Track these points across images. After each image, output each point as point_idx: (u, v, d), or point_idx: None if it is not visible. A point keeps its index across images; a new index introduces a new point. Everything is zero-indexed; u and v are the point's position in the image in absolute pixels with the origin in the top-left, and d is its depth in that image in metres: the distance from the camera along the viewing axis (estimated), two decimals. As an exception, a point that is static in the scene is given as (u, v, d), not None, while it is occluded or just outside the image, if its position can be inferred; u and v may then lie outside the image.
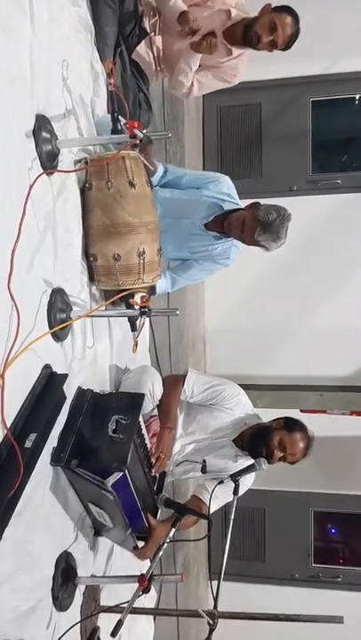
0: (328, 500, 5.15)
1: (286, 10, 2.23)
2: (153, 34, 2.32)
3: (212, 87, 2.49)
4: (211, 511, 1.98)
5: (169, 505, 1.90)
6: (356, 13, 4.52)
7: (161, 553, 1.68)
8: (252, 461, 1.97)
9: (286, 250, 2.33)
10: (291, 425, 2.14)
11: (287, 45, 2.27)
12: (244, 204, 2.30)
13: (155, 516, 1.97)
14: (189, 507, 1.98)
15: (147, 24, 2.31)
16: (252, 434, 2.16)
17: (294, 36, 2.25)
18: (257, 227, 2.12)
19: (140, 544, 1.95)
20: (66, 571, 1.66)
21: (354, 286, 4.91)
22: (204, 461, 2.16)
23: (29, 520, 1.45)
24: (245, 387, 2.33)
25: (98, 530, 1.91)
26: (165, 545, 1.68)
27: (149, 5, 2.34)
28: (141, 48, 2.32)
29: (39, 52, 1.53)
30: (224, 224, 2.25)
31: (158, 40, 2.34)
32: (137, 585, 1.61)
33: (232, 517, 1.81)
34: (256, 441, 2.11)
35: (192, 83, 2.40)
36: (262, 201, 2.25)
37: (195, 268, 2.38)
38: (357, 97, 4.95)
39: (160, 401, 2.13)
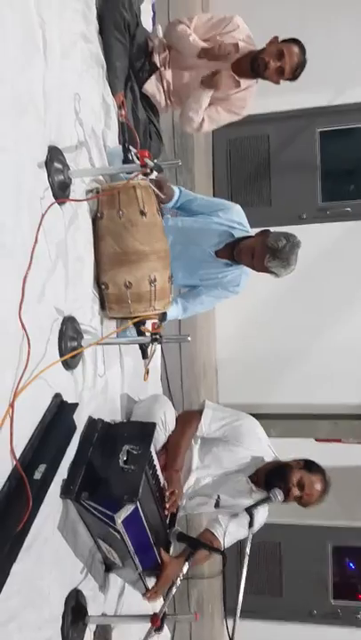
0: (346, 534, 4.99)
1: (293, 40, 2.29)
2: (163, 68, 2.38)
3: (222, 121, 2.52)
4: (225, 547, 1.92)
5: (182, 539, 1.85)
6: (361, 45, 4.62)
7: (174, 591, 1.62)
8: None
9: (297, 277, 2.32)
10: (311, 466, 2.08)
11: (294, 74, 2.30)
12: (254, 232, 2.31)
13: (167, 551, 1.90)
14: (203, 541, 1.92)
15: (157, 59, 2.36)
16: (271, 470, 2.10)
17: (301, 64, 2.29)
18: (267, 253, 2.12)
19: (153, 581, 1.88)
20: (76, 609, 1.61)
21: (366, 313, 4.87)
22: (218, 497, 2.11)
23: (38, 555, 1.41)
24: (258, 416, 2.28)
25: (109, 566, 1.85)
26: (179, 582, 1.62)
27: (160, 41, 2.40)
28: (152, 82, 2.38)
29: (52, 85, 1.56)
30: (234, 252, 2.25)
31: (168, 74, 2.39)
32: (149, 624, 1.55)
33: (247, 552, 1.74)
34: (274, 477, 2.05)
35: (202, 118, 2.44)
36: (272, 229, 2.25)
37: (204, 294, 2.37)
38: (365, 126, 5.01)
39: (170, 439, 2.09)
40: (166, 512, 1.90)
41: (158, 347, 2.24)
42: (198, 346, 4.45)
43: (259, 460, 2.13)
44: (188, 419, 2.15)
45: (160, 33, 2.50)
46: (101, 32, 2.06)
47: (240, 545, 2.07)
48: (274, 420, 4.52)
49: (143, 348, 1.79)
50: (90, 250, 1.76)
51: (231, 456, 2.13)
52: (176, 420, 2.14)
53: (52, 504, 1.49)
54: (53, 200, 1.53)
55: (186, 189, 2.35)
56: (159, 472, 1.88)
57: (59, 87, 1.61)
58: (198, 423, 2.11)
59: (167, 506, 1.89)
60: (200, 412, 2.14)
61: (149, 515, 1.70)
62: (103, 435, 1.69)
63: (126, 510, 1.48)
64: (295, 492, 2.01)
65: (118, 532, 1.52)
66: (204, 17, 2.41)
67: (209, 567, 2.21)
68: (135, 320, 1.78)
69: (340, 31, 4.61)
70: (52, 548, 1.49)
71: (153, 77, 2.37)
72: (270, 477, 2.06)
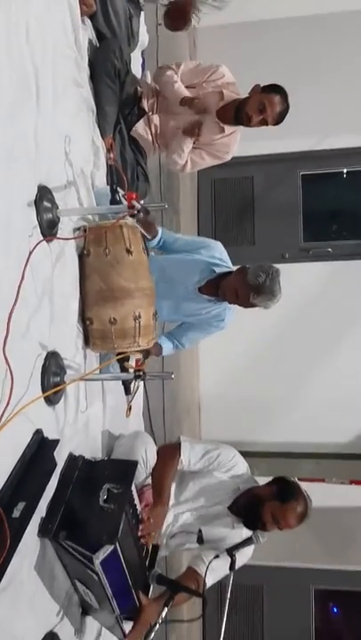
0: (329, 577, 4.89)
1: (275, 90, 2.36)
2: (151, 113, 2.47)
3: (205, 164, 2.62)
4: (207, 585, 1.88)
5: (161, 582, 1.81)
6: (342, 92, 4.85)
7: (152, 635, 1.58)
8: (249, 532, 1.90)
9: (280, 316, 2.38)
10: (283, 494, 2.04)
11: (278, 122, 2.40)
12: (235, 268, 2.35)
13: (146, 594, 1.86)
14: (185, 580, 1.88)
15: (145, 104, 2.46)
16: (245, 504, 2.08)
17: (284, 112, 2.38)
18: (250, 291, 2.16)
19: (130, 625, 1.83)
20: (51, 654, 1.55)
21: (349, 352, 4.92)
22: (200, 531, 2.07)
23: (14, 596, 1.37)
24: (241, 454, 2.28)
25: (86, 609, 1.80)
26: (157, 626, 1.58)
27: (148, 87, 2.51)
28: (140, 126, 2.47)
29: (43, 128, 1.62)
30: (219, 289, 2.29)
31: (156, 119, 2.49)
32: (126, 671, 1.50)
33: (228, 597, 1.71)
34: (249, 512, 2.04)
35: (186, 161, 2.53)
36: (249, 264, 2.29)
37: (190, 330, 2.41)
38: (345, 171, 5.20)
39: (154, 474, 2.07)
40: (142, 540, 1.85)
41: (141, 383, 2.24)
42: (182, 383, 4.44)
43: (236, 488, 2.12)
44: (168, 452, 2.14)
45: (149, 79, 2.61)
46: (92, 78, 2.14)
47: (220, 588, 2.03)
48: (257, 459, 4.48)
49: (126, 385, 1.79)
50: (75, 286, 1.78)
51: (208, 488, 2.12)
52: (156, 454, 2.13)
53: (30, 543, 1.46)
54: (41, 238, 1.55)
55: (167, 230, 2.41)
56: (139, 511, 1.85)
57: (50, 130, 1.67)
58: (179, 458, 2.10)
59: (139, 534, 1.83)
60: (178, 446, 2.14)
61: (129, 556, 1.66)
62: (84, 472, 1.67)
63: (105, 551, 1.45)
64: (271, 527, 1.99)
65: (96, 573, 1.48)
66: (191, 64, 2.52)
67: (188, 611, 2.16)
68: (119, 357, 1.79)
69: (323, 80, 4.84)
70: (29, 589, 1.45)
71: (141, 121, 2.46)
72: (245, 513, 2.05)
